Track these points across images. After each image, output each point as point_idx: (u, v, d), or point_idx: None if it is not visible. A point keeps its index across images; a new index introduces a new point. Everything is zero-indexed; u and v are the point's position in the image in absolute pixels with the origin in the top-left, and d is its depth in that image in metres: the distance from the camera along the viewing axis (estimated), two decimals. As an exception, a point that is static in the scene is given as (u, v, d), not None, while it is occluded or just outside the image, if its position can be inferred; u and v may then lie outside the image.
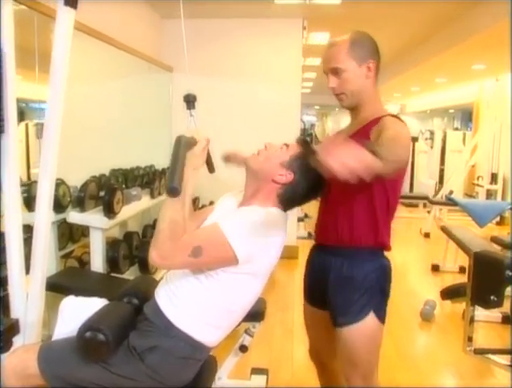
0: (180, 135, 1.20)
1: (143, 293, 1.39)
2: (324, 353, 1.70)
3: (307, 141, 1.19)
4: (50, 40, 1.37)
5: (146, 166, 3.81)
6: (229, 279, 1.21)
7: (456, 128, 11.82)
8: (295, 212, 4.41)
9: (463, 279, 3.16)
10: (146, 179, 3.55)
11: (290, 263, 4.15)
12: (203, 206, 3.83)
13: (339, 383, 1.71)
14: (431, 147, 8.73)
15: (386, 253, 1.51)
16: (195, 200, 3.95)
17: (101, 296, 1.42)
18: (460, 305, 2.92)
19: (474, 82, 7.25)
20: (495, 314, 2.96)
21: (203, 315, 1.24)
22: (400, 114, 12.50)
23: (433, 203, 5.62)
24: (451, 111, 13.11)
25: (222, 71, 4.35)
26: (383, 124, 1.35)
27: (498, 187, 6.58)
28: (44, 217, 1.43)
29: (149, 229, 3.27)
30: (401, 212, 7.18)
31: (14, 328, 1.38)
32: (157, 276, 2.57)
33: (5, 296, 1.42)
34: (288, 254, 4.07)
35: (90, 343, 1.17)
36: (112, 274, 2.50)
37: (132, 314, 1.30)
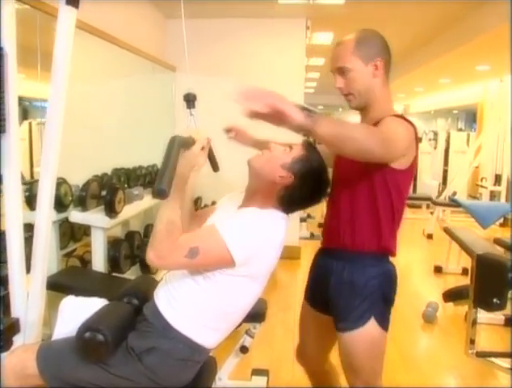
0: (175, 135, 1.18)
1: (143, 294, 1.38)
2: (311, 356, 1.68)
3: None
4: (53, 38, 1.37)
5: (148, 165, 3.81)
6: (227, 281, 1.20)
7: (460, 129, 11.77)
8: (298, 212, 4.41)
9: (465, 281, 3.15)
10: (148, 178, 3.55)
11: (292, 264, 4.15)
12: (205, 206, 3.82)
13: (330, 384, 1.70)
14: (435, 148, 8.70)
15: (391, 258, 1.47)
16: (197, 200, 3.94)
17: (101, 295, 1.42)
18: (463, 307, 2.90)
19: (478, 82, 7.23)
20: (498, 316, 2.94)
21: (201, 317, 1.23)
22: (404, 114, 12.45)
23: (436, 204, 5.61)
24: (455, 111, 13.07)
25: (225, 71, 4.34)
26: (380, 123, 1.33)
27: (502, 188, 6.53)
28: (45, 216, 1.42)
29: (151, 228, 3.25)
30: (404, 212, 7.14)
31: (14, 327, 1.38)
32: (158, 276, 2.57)
33: (5, 295, 1.42)
34: (290, 254, 4.12)
35: (89, 344, 1.17)
36: (113, 273, 2.50)
37: (131, 315, 1.30)
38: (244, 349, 1.93)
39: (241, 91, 1.12)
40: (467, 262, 3.41)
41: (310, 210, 5.46)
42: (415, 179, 8.58)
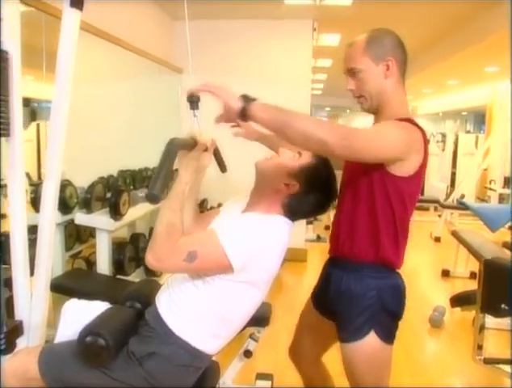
0: (173, 138, 1.17)
1: (146, 297, 1.37)
2: (303, 354, 1.65)
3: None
4: (58, 40, 1.36)
5: (154, 167, 3.81)
6: (226, 287, 1.18)
7: (468, 132, 11.68)
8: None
9: (474, 285, 3.10)
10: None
11: (298, 266, 4.13)
12: (211, 208, 3.82)
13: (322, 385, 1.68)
14: (443, 150, 8.63)
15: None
16: (203, 202, 3.94)
17: (105, 298, 1.41)
18: (471, 312, 2.86)
19: (487, 84, 7.16)
20: (506, 321, 2.90)
21: (201, 322, 1.22)
22: (412, 115, 12.38)
23: (444, 206, 5.57)
24: (464, 113, 12.97)
25: (232, 72, 4.34)
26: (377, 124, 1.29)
27: (511, 191, 6.47)
28: (49, 219, 1.42)
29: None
30: (412, 215, 7.10)
31: (18, 330, 1.37)
32: (162, 280, 2.56)
33: (9, 297, 1.42)
34: (297, 257, 4.11)
35: (91, 348, 1.16)
36: (118, 276, 2.50)
37: (133, 319, 1.29)
38: (248, 353, 1.92)
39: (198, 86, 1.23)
40: (475, 265, 3.37)
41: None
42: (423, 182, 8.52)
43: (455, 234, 3.25)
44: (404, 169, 1.26)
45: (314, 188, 1.27)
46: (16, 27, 1.27)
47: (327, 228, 5.41)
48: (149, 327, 1.23)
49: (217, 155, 1.45)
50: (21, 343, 1.38)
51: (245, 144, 1.66)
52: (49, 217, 1.42)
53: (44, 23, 2.09)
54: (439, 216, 5.98)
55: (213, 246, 1.13)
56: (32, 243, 1.42)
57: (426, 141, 1.30)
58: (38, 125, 3.17)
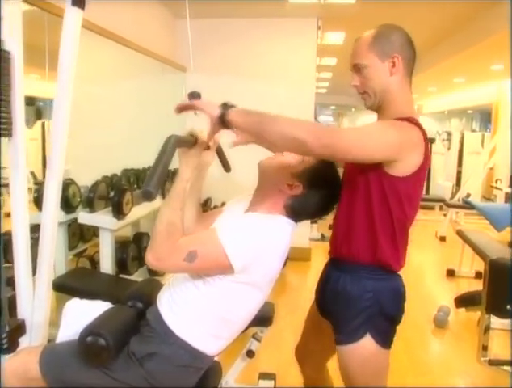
0: (171, 135, 1.15)
1: (147, 297, 1.37)
2: (309, 357, 1.64)
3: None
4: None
5: (158, 166, 3.82)
6: (226, 287, 1.17)
7: (473, 130, 11.60)
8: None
9: (479, 284, 3.08)
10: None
11: (302, 266, 4.12)
12: (215, 207, 3.82)
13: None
14: (448, 149, 8.58)
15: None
16: (207, 201, 3.94)
17: (107, 297, 1.41)
18: (476, 312, 2.84)
19: (493, 82, 7.10)
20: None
21: (201, 323, 1.22)
22: (417, 114, 12.33)
23: (449, 206, 5.53)
24: (470, 112, 12.88)
25: (236, 71, 4.33)
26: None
27: (517, 190, 6.42)
28: (51, 217, 1.42)
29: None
30: (417, 214, 7.06)
31: (20, 329, 1.38)
32: (164, 279, 2.56)
33: (11, 296, 1.42)
34: (301, 256, 4.10)
35: (91, 348, 1.16)
36: (121, 275, 2.50)
37: (134, 319, 1.29)
38: (250, 353, 1.91)
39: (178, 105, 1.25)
40: (480, 265, 3.35)
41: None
42: (428, 180, 8.48)
43: (460, 233, 3.22)
44: (401, 169, 1.22)
45: (318, 191, 1.26)
46: (18, 26, 1.27)
47: (331, 227, 5.38)
48: (150, 327, 1.23)
49: (221, 155, 1.44)
50: (23, 342, 1.39)
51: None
52: (51, 215, 1.42)
53: (46, 22, 2.09)
54: (444, 215, 5.95)
55: (213, 245, 1.12)
56: (36, 242, 1.42)
57: (427, 141, 1.26)
58: (43, 124, 3.18)
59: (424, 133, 1.25)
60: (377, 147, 1.18)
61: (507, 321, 2.78)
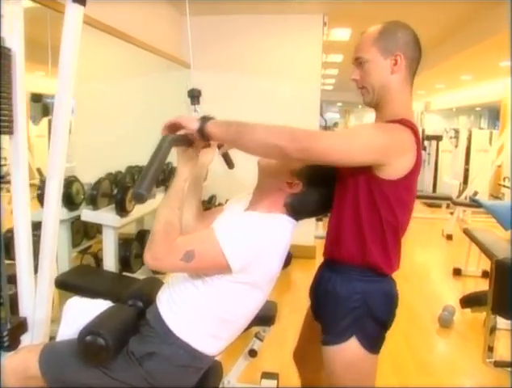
0: (165, 135, 1.14)
1: (148, 296, 1.36)
2: (306, 360, 1.62)
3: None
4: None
5: (163, 163, 3.81)
6: (225, 287, 1.16)
7: (481, 128, 11.49)
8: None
9: (485, 284, 3.05)
10: (162, 176, 3.54)
11: (307, 263, 4.09)
12: (219, 204, 3.81)
13: None
14: (456, 146, 8.50)
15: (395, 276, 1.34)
16: (211, 199, 3.93)
17: (109, 295, 1.41)
18: (481, 313, 2.81)
19: (501, 79, 7.02)
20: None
21: (200, 323, 1.21)
22: (425, 112, 12.24)
23: (456, 204, 5.48)
24: (478, 109, 12.76)
25: (241, 67, 4.32)
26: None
27: (526, 188, 6.35)
28: (53, 215, 1.42)
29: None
30: (423, 212, 7.03)
31: (22, 326, 1.38)
32: (166, 278, 2.55)
33: (13, 294, 1.42)
34: (305, 254, 4.08)
35: (90, 348, 1.16)
36: (124, 273, 2.50)
37: (134, 318, 1.28)
38: (253, 353, 1.90)
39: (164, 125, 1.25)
40: (487, 264, 3.32)
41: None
42: (435, 178, 8.42)
43: (466, 231, 3.19)
44: (391, 173, 1.19)
45: (318, 187, 1.25)
46: (19, 23, 1.27)
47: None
48: (150, 327, 1.22)
49: (224, 152, 1.43)
50: (25, 339, 1.39)
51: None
52: (53, 212, 1.42)
53: (49, 18, 2.09)
54: (451, 213, 5.89)
55: (211, 245, 1.11)
56: (38, 239, 1.42)
57: (419, 143, 1.22)
58: (50, 121, 3.19)
59: (416, 135, 1.21)
60: (358, 151, 1.15)
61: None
